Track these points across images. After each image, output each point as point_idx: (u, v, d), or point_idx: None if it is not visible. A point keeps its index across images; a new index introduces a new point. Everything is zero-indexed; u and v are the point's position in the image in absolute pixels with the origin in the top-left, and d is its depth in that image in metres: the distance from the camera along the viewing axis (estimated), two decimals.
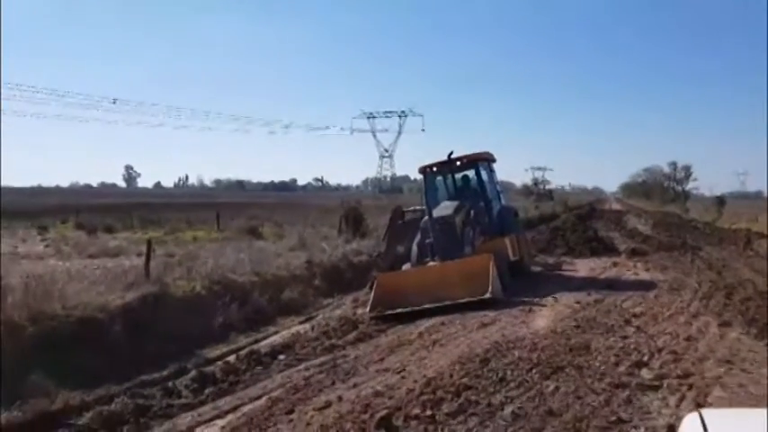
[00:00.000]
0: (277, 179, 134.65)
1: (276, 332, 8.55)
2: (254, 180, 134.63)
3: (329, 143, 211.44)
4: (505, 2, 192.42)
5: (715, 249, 16.90)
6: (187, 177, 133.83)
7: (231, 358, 7.03)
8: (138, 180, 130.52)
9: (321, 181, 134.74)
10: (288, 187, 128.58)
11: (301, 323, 9.08)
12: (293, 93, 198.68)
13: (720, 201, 44.23)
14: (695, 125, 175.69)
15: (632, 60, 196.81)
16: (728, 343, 6.51)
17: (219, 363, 6.84)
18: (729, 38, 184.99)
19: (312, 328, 8.41)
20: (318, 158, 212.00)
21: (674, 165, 65.59)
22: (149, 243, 9.45)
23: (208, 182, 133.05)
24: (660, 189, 68.52)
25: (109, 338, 6.99)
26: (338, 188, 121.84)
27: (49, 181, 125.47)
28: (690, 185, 64.50)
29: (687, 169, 64.10)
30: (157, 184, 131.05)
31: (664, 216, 36.43)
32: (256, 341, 8.01)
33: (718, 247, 17.60)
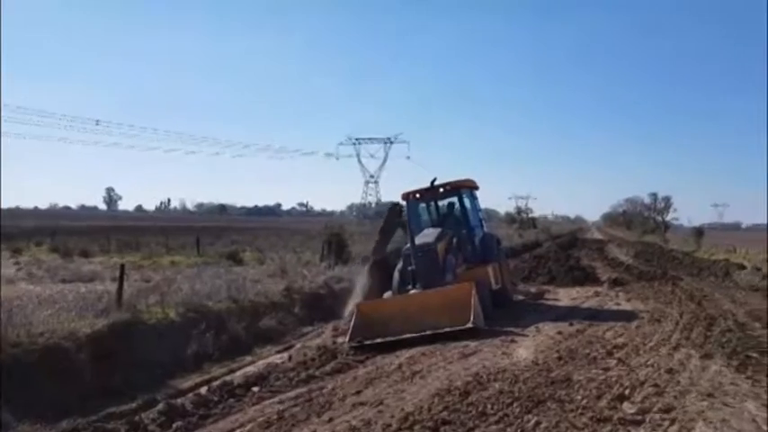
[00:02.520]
0: (261, 203, 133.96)
1: (252, 362, 8.32)
2: (238, 204, 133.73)
3: (315, 168, 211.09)
4: (493, 32, 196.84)
5: (695, 280, 17.00)
6: (169, 201, 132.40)
7: (203, 390, 6.77)
8: (120, 203, 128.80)
9: (306, 206, 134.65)
10: (272, 212, 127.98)
11: (278, 352, 8.86)
12: (280, 117, 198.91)
13: (699, 231, 44.84)
14: (676, 158, 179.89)
15: (617, 93, 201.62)
16: (710, 376, 6.43)
17: (190, 394, 6.60)
18: (710, 74, 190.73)
19: (289, 358, 8.19)
20: (303, 183, 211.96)
21: (654, 195, 66.55)
22: (122, 268, 9.21)
23: (190, 206, 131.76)
24: (641, 219, 69.32)
25: (76, 368, 6.72)
26: (323, 213, 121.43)
27: (26, 203, 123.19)
28: (670, 216, 65.32)
29: (667, 200, 65.08)
30: (139, 208, 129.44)
31: (644, 246, 36.78)
32: (231, 371, 7.78)
33: (698, 278, 17.73)
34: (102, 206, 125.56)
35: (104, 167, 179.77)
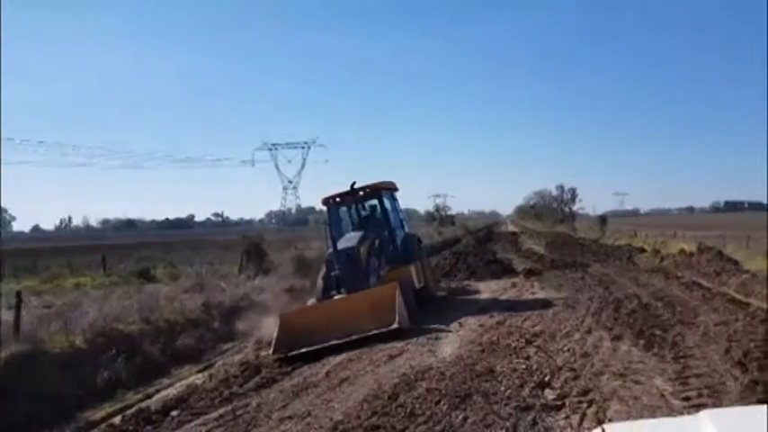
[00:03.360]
0: (173, 216, 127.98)
1: (170, 384, 7.90)
2: (147, 218, 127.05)
3: (229, 176, 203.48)
4: (403, 33, 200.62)
5: (602, 265, 18.07)
6: (70, 219, 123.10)
7: (116, 419, 6.38)
8: (14, 224, 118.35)
9: (221, 216, 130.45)
10: (185, 224, 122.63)
11: (198, 372, 8.47)
12: (188, 124, 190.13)
13: (603, 219, 47.82)
14: (580, 150, 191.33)
15: (521, 92, 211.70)
16: (621, 356, 6.83)
17: (103, 425, 6.21)
18: (607, 70, 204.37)
19: (210, 377, 7.85)
20: (218, 192, 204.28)
21: (561, 188, 69.94)
22: (18, 295, 8.47)
23: (94, 222, 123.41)
24: (550, 210, 72.69)
25: None
26: (240, 223, 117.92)
27: None
28: (576, 206, 68.91)
29: (573, 191, 68.58)
30: (35, 228, 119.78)
31: (555, 236, 38.63)
32: (147, 397, 7.36)
33: (605, 263, 18.86)
34: None
35: None
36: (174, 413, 6.40)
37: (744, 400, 4.92)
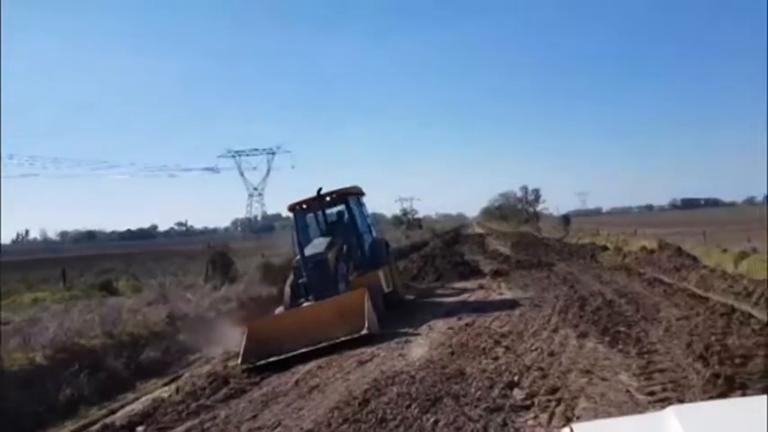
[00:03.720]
0: (134, 226, 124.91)
1: (135, 399, 7.71)
2: (108, 229, 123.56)
3: (192, 184, 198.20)
4: (363, 35, 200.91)
5: (566, 264, 18.39)
6: (27, 232, 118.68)
7: None
8: None
9: (185, 225, 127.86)
10: (147, 234, 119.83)
11: (165, 385, 8.28)
12: (148, 131, 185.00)
13: (566, 219, 48.75)
14: (542, 151, 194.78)
15: (488, 95, 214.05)
16: (587, 353, 6.96)
17: None
18: (566, 71, 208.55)
19: (177, 390, 7.68)
20: (181, 201, 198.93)
21: (525, 188, 70.87)
22: None
23: (52, 235, 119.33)
24: (515, 211, 73.66)
25: None
26: (205, 232, 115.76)
27: None
28: (540, 207, 69.90)
29: (537, 192, 69.55)
30: None
31: (520, 236, 39.10)
32: (111, 412, 7.16)
33: (569, 262, 19.21)
34: None
35: None
36: (139, 428, 6.25)
37: (706, 393, 5.06)
